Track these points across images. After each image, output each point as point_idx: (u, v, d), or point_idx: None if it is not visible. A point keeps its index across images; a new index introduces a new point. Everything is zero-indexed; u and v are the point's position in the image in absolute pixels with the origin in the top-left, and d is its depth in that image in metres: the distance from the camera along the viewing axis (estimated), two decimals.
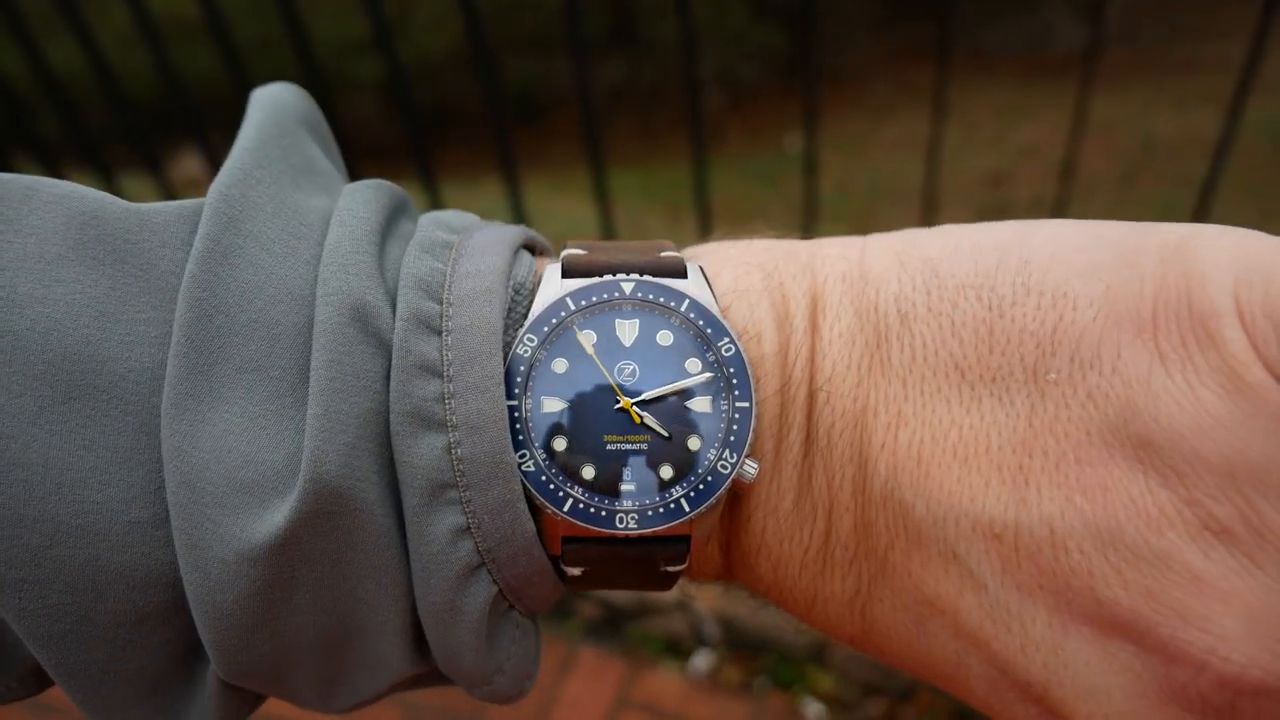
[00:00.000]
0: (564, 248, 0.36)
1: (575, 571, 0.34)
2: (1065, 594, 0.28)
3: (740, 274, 0.35)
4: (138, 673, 0.31)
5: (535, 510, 0.32)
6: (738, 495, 0.34)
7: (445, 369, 0.31)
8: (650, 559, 0.34)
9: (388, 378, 0.31)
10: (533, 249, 0.37)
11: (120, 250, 0.31)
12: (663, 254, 0.35)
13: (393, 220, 0.35)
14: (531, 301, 0.34)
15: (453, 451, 0.31)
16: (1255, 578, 0.26)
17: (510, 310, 0.34)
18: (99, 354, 0.30)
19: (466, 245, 0.34)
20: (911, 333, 0.31)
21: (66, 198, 0.31)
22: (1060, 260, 0.30)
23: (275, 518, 0.29)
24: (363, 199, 0.34)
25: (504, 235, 0.35)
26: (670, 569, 0.34)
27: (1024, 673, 0.30)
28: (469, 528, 0.31)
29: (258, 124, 0.35)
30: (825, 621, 0.35)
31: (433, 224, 0.35)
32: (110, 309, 0.30)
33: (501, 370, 0.31)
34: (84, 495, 0.29)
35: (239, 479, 0.29)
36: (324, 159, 0.37)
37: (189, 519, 0.29)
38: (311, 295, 0.31)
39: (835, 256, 0.34)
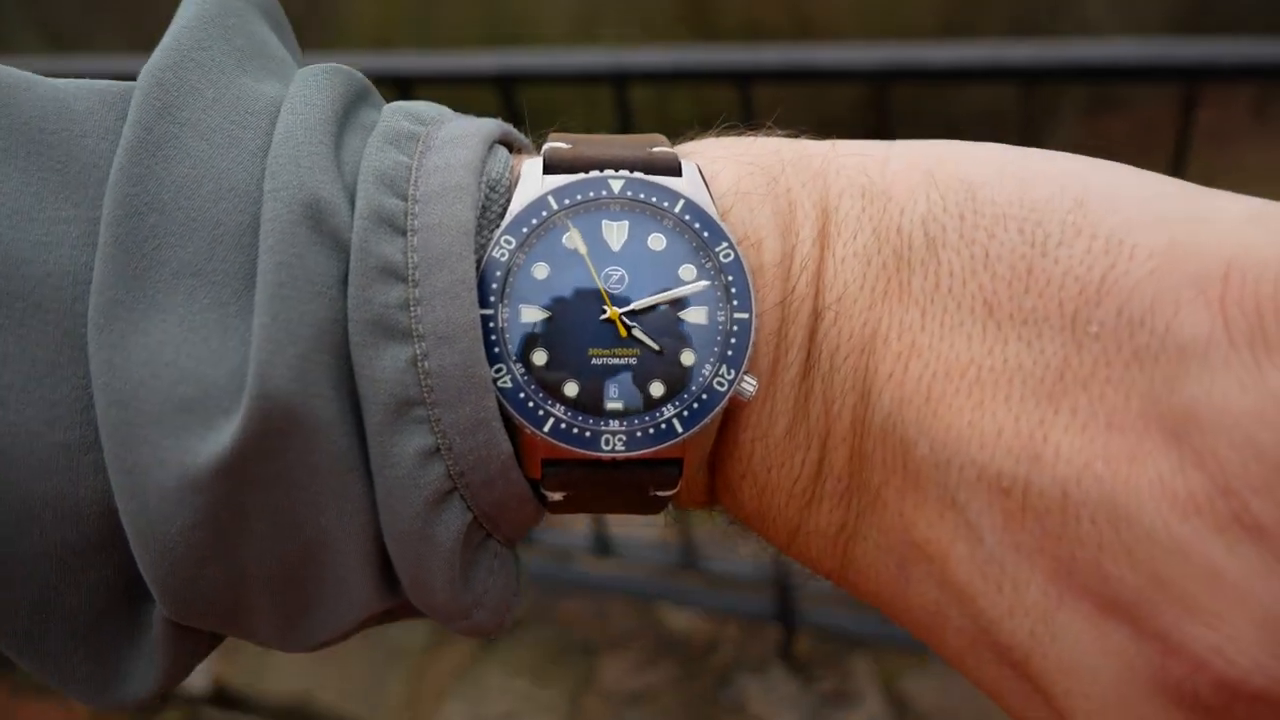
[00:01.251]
0: (546, 141, 0.33)
1: (556, 496, 0.31)
2: (1068, 563, 0.26)
3: (742, 174, 0.32)
4: (72, 613, 0.29)
5: (512, 430, 0.30)
6: (730, 413, 0.31)
7: (410, 272, 0.28)
8: (639, 483, 0.31)
9: (345, 282, 0.28)
10: (510, 145, 0.34)
11: (36, 141, 0.28)
12: (655, 149, 0.33)
13: (353, 108, 0.32)
14: (509, 200, 0.31)
15: (419, 364, 0.28)
16: (1278, 581, 0.24)
17: (485, 210, 0.31)
18: (12, 255, 0.27)
19: (435, 137, 0.31)
20: (938, 259, 0.29)
21: None
22: (1121, 205, 0.27)
23: (220, 438, 0.26)
24: (317, 84, 0.31)
25: (478, 127, 0.32)
26: (660, 494, 0.32)
27: (1007, 636, 0.27)
28: (438, 449, 0.28)
29: (198, 2, 0.31)
30: (804, 554, 0.33)
31: (398, 114, 0.32)
32: (24, 206, 0.27)
33: (474, 274, 0.29)
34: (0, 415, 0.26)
35: (178, 396, 0.26)
36: (278, 44, 0.34)
37: (122, 442, 0.26)
38: (258, 191, 0.28)
39: (853, 167, 0.32)
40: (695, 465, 0.32)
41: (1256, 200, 0.27)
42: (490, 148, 0.32)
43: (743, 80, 1.26)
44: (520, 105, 1.29)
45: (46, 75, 0.31)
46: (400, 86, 1.33)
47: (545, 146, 0.32)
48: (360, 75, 0.33)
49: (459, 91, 1.30)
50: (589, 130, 0.35)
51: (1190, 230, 0.26)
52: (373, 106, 0.33)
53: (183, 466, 0.26)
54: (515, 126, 0.35)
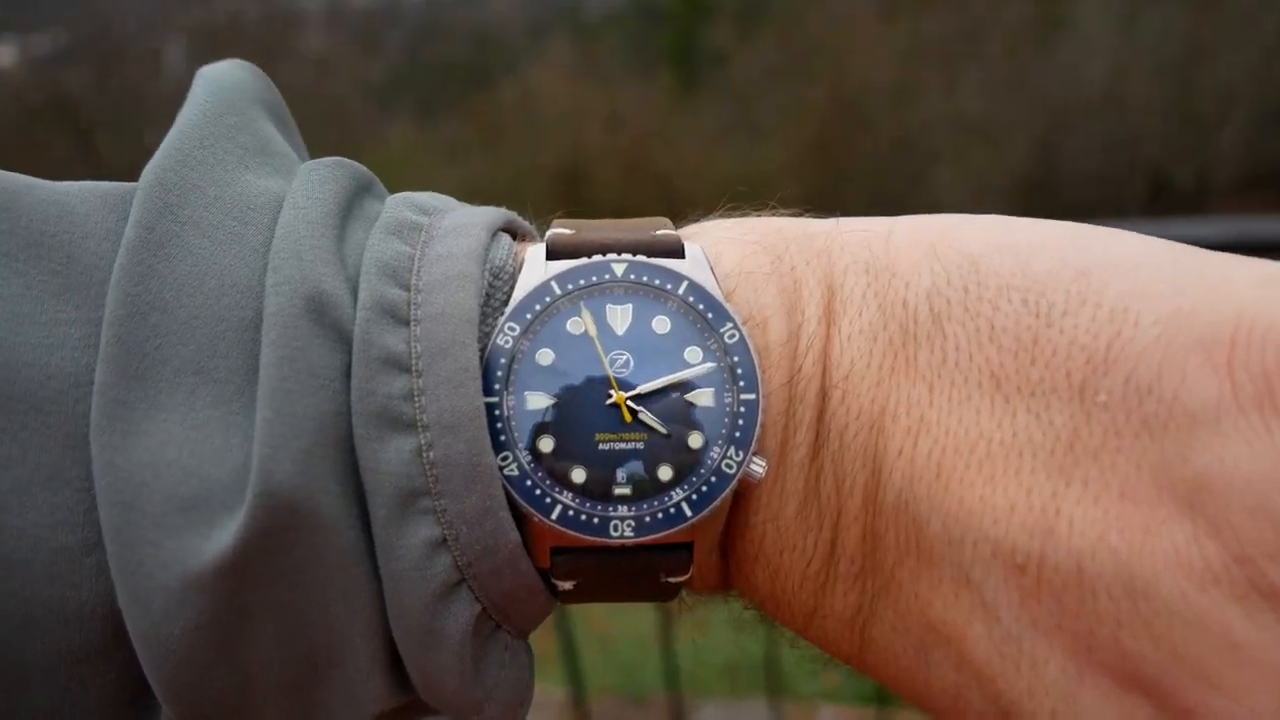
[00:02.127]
0: (550, 228, 0.33)
1: (567, 585, 0.30)
2: (1087, 640, 0.25)
3: (746, 255, 0.32)
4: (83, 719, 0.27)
5: (520, 519, 0.29)
6: (741, 495, 0.30)
7: (414, 362, 0.28)
8: (650, 569, 0.30)
9: (348, 375, 0.27)
10: (514, 233, 0.34)
11: (37, 244, 0.28)
12: (658, 232, 0.33)
13: (356, 201, 0.31)
14: (513, 287, 0.31)
15: (424, 455, 0.27)
16: None
17: (489, 298, 0.30)
18: (12, 359, 0.26)
19: (438, 227, 0.31)
20: (944, 333, 0.29)
21: None
22: (1125, 273, 0.27)
23: (223, 537, 0.25)
24: (319, 178, 0.30)
25: (481, 216, 0.32)
26: (672, 580, 0.31)
27: (1029, 717, 0.26)
28: (445, 540, 0.27)
29: (201, 101, 0.31)
30: (821, 638, 0.32)
31: (402, 205, 0.32)
32: (25, 310, 0.27)
33: (478, 362, 0.28)
34: (2, 520, 0.25)
35: (180, 495, 0.26)
36: (281, 140, 0.34)
37: (125, 543, 0.25)
38: (260, 286, 0.28)
39: (856, 244, 0.32)
40: (706, 549, 0.31)
41: (1263, 262, 0.27)
42: (494, 235, 0.32)
43: None
44: None
45: None
46: None
47: (549, 232, 0.32)
48: (363, 168, 0.33)
49: None
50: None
51: (1195, 295, 0.26)
52: (376, 198, 0.33)
53: (185, 566, 0.25)
54: None
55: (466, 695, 0.29)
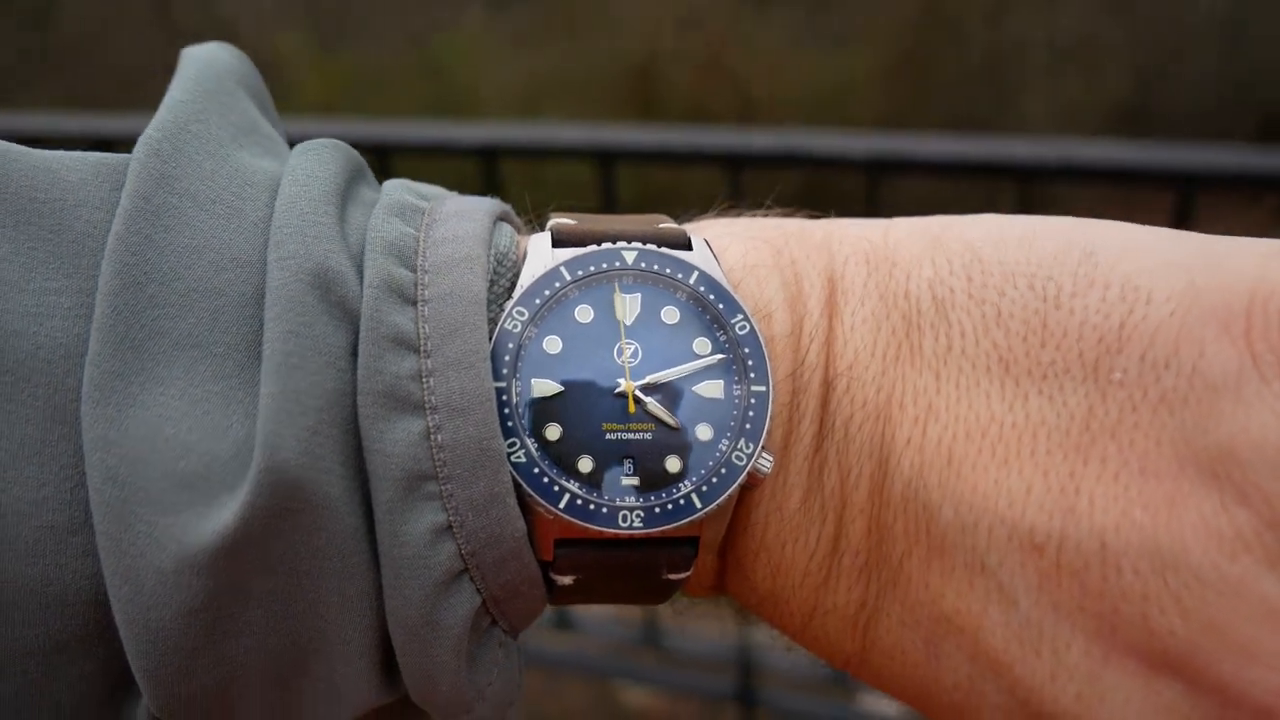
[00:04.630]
0: (548, 219, 0.33)
1: (566, 580, 0.30)
2: (1111, 619, 0.25)
3: (748, 249, 0.32)
4: (53, 711, 0.26)
5: (524, 509, 0.29)
6: (744, 489, 0.30)
7: (422, 342, 0.27)
8: (653, 564, 0.30)
9: (354, 354, 0.27)
10: (508, 223, 0.34)
11: (26, 210, 0.27)
12: (662, 225, 0.33)
13: (352, 183, 0.31)
14: (516, 274, 0.31)
15: (432, 437, 0.27)
16: None
17: (492, 284, 0.30)
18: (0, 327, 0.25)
19: (440, 210, 0.31)
20: (948, 321, 0.29)
21: None
22: (1133, 254, 0.27)
23: (223, 515, 0.24)
24: (319, 158, 0.30)
25: (481, 203, 0.32)
26: (673, 577, 0.31)
27: (1050, 703, 0.26)
28: (450, 526, 0.27)
29: (194, 77, 0.31)
30: (822, 639, 0.32)
31: (400, 189, 0.32)
32: (13, 276, 0.26)
33: (488, 344, 0.28)
34: None
35: (178, 472, 0.25)
36: (268, 124, 0.34)
37: (117, 521, 0.25)
38: (260, 261, 0.28)
39: (854, 237, 0.32)
40: (708, 545, 0.31)
41: (1268, 240, 0.27)
42: (495, 222, 0.31)
43: (732, 164, 1.23)
44: (501, 179, 1.27)
45: None
46: (378, 154, 1.30)
47: (551, 222, 0.32)
48: (357, 153, 0.32)
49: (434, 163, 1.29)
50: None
51: (1206, 271, 0.26)
52: (370, 185, 0.33)
53: (182, 546, 0.24)
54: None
55: (458, 693, 0.29)
